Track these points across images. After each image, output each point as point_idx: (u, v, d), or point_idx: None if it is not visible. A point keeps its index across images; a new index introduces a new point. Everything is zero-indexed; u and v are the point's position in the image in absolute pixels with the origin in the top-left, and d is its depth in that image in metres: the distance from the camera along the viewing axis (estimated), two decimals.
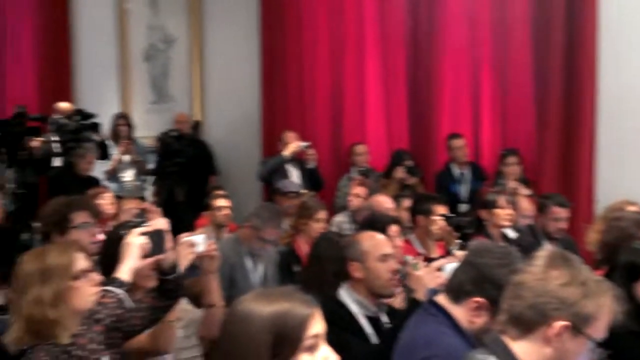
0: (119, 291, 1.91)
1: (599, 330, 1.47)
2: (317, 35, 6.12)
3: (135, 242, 2.00)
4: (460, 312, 1.89)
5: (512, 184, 4.97)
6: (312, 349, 1.31)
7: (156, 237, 2.05)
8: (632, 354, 2.45)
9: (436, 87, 5.82)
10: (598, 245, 3.31)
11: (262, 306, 1.31)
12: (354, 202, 4.79)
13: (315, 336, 1.32)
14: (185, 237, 2.28)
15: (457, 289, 1.90)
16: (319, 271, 2.75)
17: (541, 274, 1.47)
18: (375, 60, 5.97)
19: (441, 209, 3.91)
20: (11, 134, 4.92)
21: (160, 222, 2.12)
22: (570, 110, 5.27)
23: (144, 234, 2.03)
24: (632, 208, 3.69)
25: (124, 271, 1.96)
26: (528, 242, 3.97)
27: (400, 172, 5.37)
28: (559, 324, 1.43)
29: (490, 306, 1.81)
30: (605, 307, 1.47)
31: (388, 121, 5.97)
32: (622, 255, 2.66)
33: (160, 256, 2.04)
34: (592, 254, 3.53)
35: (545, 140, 5.38)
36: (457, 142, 5.56)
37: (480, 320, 1.85)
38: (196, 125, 6.45)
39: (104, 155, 5.57)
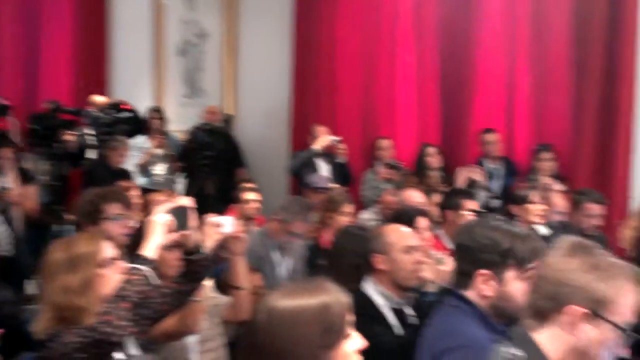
0: (144, 268, 1.92)
1: (623, 314, 1.41)
2: (350, 29, 6.10)
3: (159, 219, 2.01)
4: (474, 295, 1.86)
5: (545, 179, 4.88)
6: (349, 336, 1.39)
7: (180, 213, 2.06)
8: None
9: (470, 81, 5.75)
10: (632, 242, 3.24)
11: (307, 299, 1.37)
12: (386, 212, 4.80)
13: (351, 323, 1.40)
14: (211, 217, 2.29)
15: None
16: (340, 264, 2.74)
17: (558, 263, 1.45)
18: (408, 53, 5.92)
19: (471, 204, 3.86)
20: (46, 127, 5.02)
21: (184, 200, 2.13)
22: (608, 106, 5.15)
23: (167, 211, 2.04)
24: None
25: (149, 248, 1.97)
26: None
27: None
28: (574, 309, 1.40)
29: (494, 275, 1.80)
30: (624, 290, 1.40)
31: (419, 115, 5.92)
32: None
33: (185, 232, 2.05)
34: (625, 251, 3.45)
35: (581, 136, 5.27)
36: (491, 137, 5.48)
37: (491, 291, 1.81)
38: (227, 119, 6.49)
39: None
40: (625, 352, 1.44)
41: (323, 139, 5.53)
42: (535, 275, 1.52)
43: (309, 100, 6.32)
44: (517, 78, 5.57)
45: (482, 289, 1.83)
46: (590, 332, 1.41)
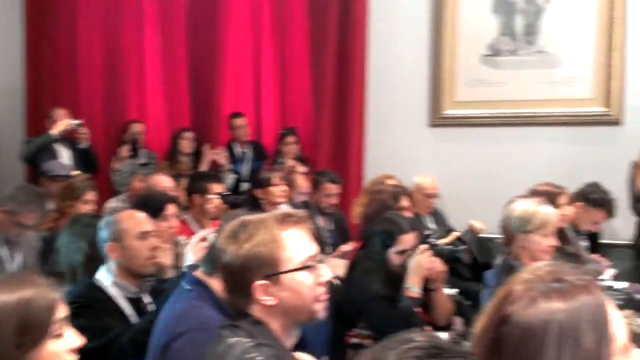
0: None
1: (295, 256, 1.47)
2: (92, 4, 5.71)
3: None
4: (216, 284, 1.88)
5: (289, 162, 5.12)
6: (58, 334, 1.29)
7: None
8: (384, 318, 2.65)
9: (218, 66, 5.77)
10: (361, 218, 3.54)
11: (3, 295, 1.26)
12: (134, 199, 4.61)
13: (61, 321, 1.30)
14: None
15: (209, 261, 1.89)
16: (73, 254, 2.55)
17: (226, 247, 1.50)
18: (154, 35, 5.74)
19: (217, 188, 3.89)
20: None
21: None
22: (343, 90, 5.54)
23: None
24: (391, 181, 4.02)
25: None
26: None
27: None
28: (256, 285, 1.46)
29: None
30: (278, 237, 1.47)
31: (168, 99, 5.79)
32: (377, 224, 2.86)
33: None
34: (358, 227, 3.77)
35: (321, 120, 5.61)
36: (239, 121, 5.57)
37: None
38: None
39: None
40: (329, 275, 1.52)
41: (62, 122, 5.11)
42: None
43: (47, 81, 5.80)
44: (262, 64, 5.73)
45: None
46: (283, 292, 1.47)
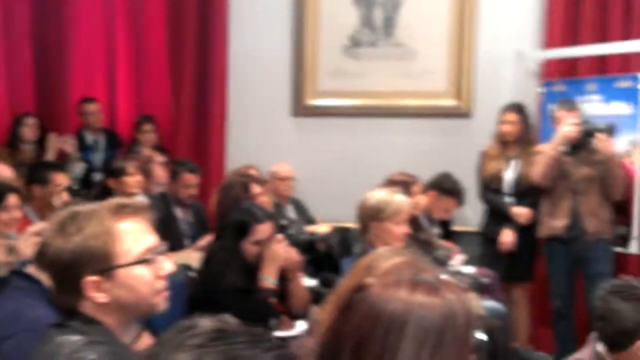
0: None
1: (133, 248, 1.38)
2: None
3: None
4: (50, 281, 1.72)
5: (146, 151, 4.88)
6: None
7: None
8: (239, 310, 2.57)
9: (67, 47, 5.35)
10: (215, 209, 3.44)
11: None
12: None
13: None
14: None
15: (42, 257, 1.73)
16: None
17: (52, 240, 1.39)
18: None
19: (60, 177, 3.62)
20: None
21: None
22: (204, 78, 5.36)
23: None
24: (251, 172, 3.96)
25: None
26: (159, 210, 3.95)
27: None
28: (88, 281, 1.36)
29: None
30: (110, 231, 1.37)
31: (9, 81, 5.28)
32: (233, 215, 2.78)
33: None
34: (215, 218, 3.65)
35: (181, 108, 5.39)
36: (91, 107, 5.21)
37: None
38: None
39: None
40: (170, 267, 1.43)
41: None
42: None
43: None
44: (116, 46, 5.40)
45: None
46: (118, 288, 1.37)
